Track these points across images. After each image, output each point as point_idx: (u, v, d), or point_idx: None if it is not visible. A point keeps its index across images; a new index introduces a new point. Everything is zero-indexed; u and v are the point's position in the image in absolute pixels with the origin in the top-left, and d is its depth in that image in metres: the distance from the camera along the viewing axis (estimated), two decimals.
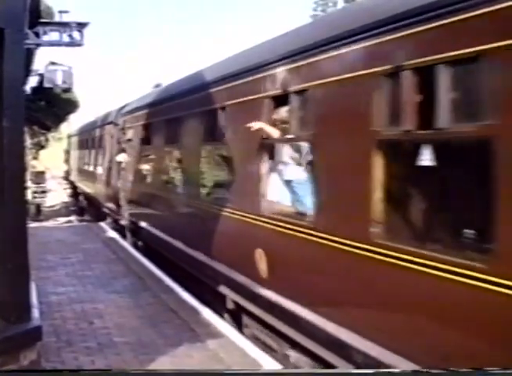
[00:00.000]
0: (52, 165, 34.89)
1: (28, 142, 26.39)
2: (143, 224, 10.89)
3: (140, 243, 11.50)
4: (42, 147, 35.07)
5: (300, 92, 5.04)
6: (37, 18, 10.67)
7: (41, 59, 15.02)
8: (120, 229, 13.53)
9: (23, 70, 4.47)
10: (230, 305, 6.62)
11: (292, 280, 5.22)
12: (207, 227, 7.25)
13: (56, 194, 27.53)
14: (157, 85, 13.72)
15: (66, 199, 27.57)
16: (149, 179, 10.88)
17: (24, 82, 5.50)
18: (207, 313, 6.75)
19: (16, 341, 4.12)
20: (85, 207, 21.48)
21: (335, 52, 4.52)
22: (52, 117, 26.52)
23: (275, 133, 5.50)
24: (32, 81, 16.37)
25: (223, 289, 6.69)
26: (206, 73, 7.87)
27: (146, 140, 10.87)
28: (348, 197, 4.42)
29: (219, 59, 7.86)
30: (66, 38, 12.33)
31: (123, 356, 5.44)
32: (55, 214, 22.52)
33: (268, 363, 5.32)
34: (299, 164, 5.46)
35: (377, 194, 4.01)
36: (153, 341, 5.83)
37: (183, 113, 8.39)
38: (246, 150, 6.08)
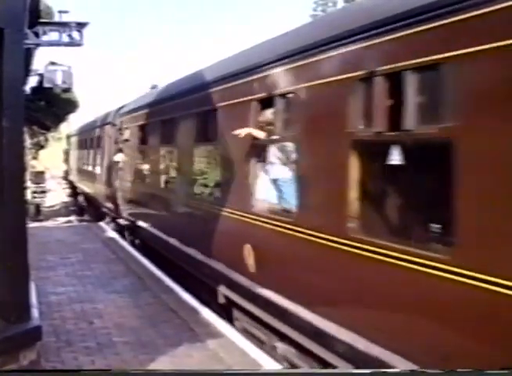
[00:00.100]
0: (52, 165, 34.83)
1: (28, 142, 26.38)
2: (140, 223, 11.02)
3: (137, 241, 11.56)
4: (42, 147, 35.05)
5: (284, 96, 5.37)
6: (36, 18, 10.68)
7: (41, 59, 15.08)
8: (118, 229, 13.60)
9: (22, 70, 4.48)
10: (221, 300, 6.78)
11: (278, 273, 5.47)
12: (199, 224, 7.54)
13: (56, 194, 27.53)
14: (153, 87, 13.80)
15: (66, 199, 27.56)
16: (145, 179, 11.07)
17: (24, 82, 5.51)
18: (206, 313, 6.76)
19: (16, 341, 4.13)
20: (85, 207, 21.48)
21: (314, 59, 4.84)
22: (51, 117, 26.50)
23: (261, 134, 5.78)
24: (32, 81, 16.43)
25: (214, 283, 6.91)
26: (198, 75, 8.12)
27: (142, 140, 11.13)
28: (327, 194, 4.72)
29: (211, 62, 8.11)
30: (65, 38, 12.35)
31: (122, 355, 5.44)
32: (55, 214, 22.51)
33: (268, 363, 5.32)
34: (284, 163, 5.70)
35: (353, 192, 4.30)
36: (153, 341, 5.84)
37: (177, 115, 8.64)
38: (236, 150, 6.36)
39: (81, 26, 12.36)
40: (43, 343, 4.84)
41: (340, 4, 29.06)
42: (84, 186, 20.55)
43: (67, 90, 16.72)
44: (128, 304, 7.17)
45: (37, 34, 11.67)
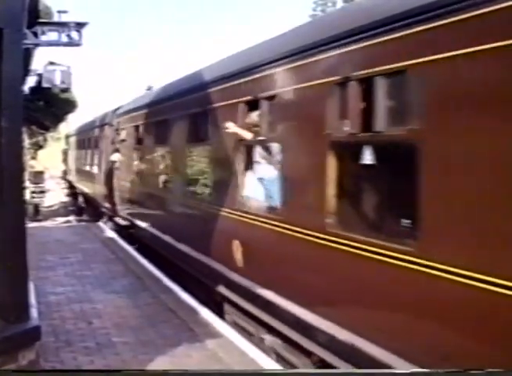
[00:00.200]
0: (51, 165, 34.81)
1: (27, 142, 26.35)
2: (136, 221, 11.23)
3: (136, 241, 11.63)
4: (41, 147, 35.05)
5: (268, 99, 5.65)
6: (35, 18, 10.66)
7: (40, 59, 15.04)
8: (115, 228, 13.66)
9: (21, 70, 4.48)
10: (215, 295, 6.95)
11: (264, 268, 5.73)
12: (191, 222, 7.99)
13: (55, 194, 27.52)
14: (149, 88, 13.93)
15: (65, 199, 27.55)
16: (140, 178, 11.31)
17: (23, 82, 5.50)
18: (205, 313, 6.76)
19: (15, 341, 4.13)
20: (84, 206, 21.48)
21: (294, 64, 5.13)
22: (50, 117, 26.49)
23: (249, 135, 6.07)
24: (31, 81, 16.43)
25: (205, 279, 7.19)
26: (189, 78, 8.50)
27: (137, 141, 11.42)
28: (308, 192, 4.99)
29: (202, 65, 8.35)
30: (64, 38, 12.32)
31: (122, 355, 5.43)
32: (54, 214, 22.51)
33: (268, 363, 5.33)
34: (269, 163, 6.00)
35: (330, 190, 4.59)
36: (152, 341, 5.84)
37: (170, 116, 9.00)
38: (225, 150, 6.67)
39: (80, 26, 12.34)
40: (42, 343, 4.85)
41: (340, 4, 29.10)
42: (83, 186, 20.56)
43: (66, 90, 16.73)
44: (127, 304, 7.17)
45: (36, 34, 11.65)
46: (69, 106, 26.93)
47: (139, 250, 10.85)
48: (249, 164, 6.26)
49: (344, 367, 4.34)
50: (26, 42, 9.38)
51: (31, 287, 5.05)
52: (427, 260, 3.59)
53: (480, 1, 3.25)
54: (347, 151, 4.63)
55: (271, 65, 5.53)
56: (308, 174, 4.99)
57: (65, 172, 30.25)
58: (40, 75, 14.99)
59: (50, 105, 24.84)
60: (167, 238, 8.88)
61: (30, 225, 13.37)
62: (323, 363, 4.74)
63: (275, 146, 5.79)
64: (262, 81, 5.73)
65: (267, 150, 6.01)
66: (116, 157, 13.21)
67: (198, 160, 8.69)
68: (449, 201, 3.52)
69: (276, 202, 5.59)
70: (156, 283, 8.28)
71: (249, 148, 6.23)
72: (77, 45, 12.55)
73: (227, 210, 6.51)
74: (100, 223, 15.26)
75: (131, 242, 11.75)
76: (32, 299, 4.85)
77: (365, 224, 4.69)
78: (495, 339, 3.24)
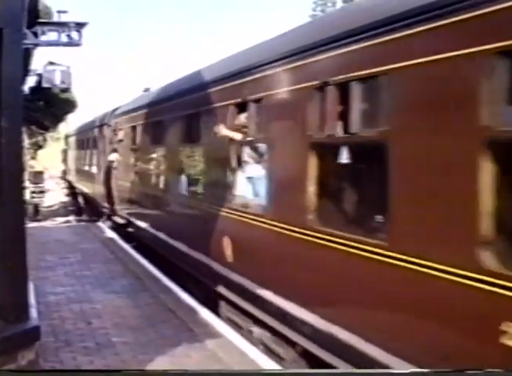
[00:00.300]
0: (50, 165, 34.80)
1: (26, 142, 26.32)
2: (134, 220, 11.40)
3: (134, 240, 11.71)
4: (40, 147, 35.01)
5: (256, 101, 5.91)
6: (35, 18, 10.66)
7: (40, 59, 15.03)
8: (113, 227, 13.73)
9: (21, 70, 4.48)
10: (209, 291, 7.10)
11: (252, 262, 5.96)
12: (185, 220, 8.26)
13: (54, 194, 27.52)
14: (146, 90, 14.04)
15: (64, 199, 27.53)
16: (137, 178, 11.52)
17: (23, 82, 5.50)
18: (205, 313, 6.76)
19: (15, 341, 4.13)
20: (83, 206, 21.47)
21: (279, 69, 5.40)
22: (50, 117, 26.49)
23: (238, 136, 6.32)
24: (30, 81, 16.42)
25: (198, 273, 7.45)
26: (182, 81, 8.80)
27: (134, 141, 11.65)
28: (291, 190, 5.25)
29: (196, 68, 8.56)
30: (64, 38, 12.32)
31: (121, 355, 5.44)
32: (54, 214, 22.50)
33: (267, 363, 5.33)
34: (257, 162, 6.29)
35: (311, 187, 4.85)
36: (152, 341, 5.84)
37: (165, 117, 9.29)
38: (216, 150, 6.95)
39: (79, 26, 12.34)
40: (41, 343, 4.84)
41: (339, 4, 29.10)
42: (83, 186, 20.57)
43: (66, 90, 16.72)
44: (127, 304, 7.17)
45: (35, 34, 11.64)
46: (69, 106, 26.94)
47: (137, 248, 10.90)
48: (239, 164, 6.52)
49: (343, 367, 4.35)
50: (26, 42, 9.38)
51: (31, 287, 5.05)
52: (398, 253, 3.81)
53: (430, 17, 3.58)
54: (327, 152, 4.89)
55: (257, 69, 5.81)
56: (292, 173, 5.25)
57: (64, 172, 30.25)
58: (40, 75, 14.99)
59: (50, 105, 24.84)
60: (162, 236, 9.23)
61: (30, 225, 13.37)
62: (306, 353, 4.95)
63: (262, 147, 6.09)
64: (250, 84, 6.01)
65: (255, 150, 6.31)
66: (114, 156, 13.36)
67: (192, 160, 8.91)
68: (415, 197, 3.76)
69: (263, 200, 5.82)
70: (156, 283, 8.28)
71: (238, 148, 6.49)
72: (77, 45, 12.55)
73: (217, 207, 6.74)
74: (100, 223, 15.26)
75: (128, 240, 11.86)
76: (32, 299, 4.85)
77: (343, 220, 4.95)
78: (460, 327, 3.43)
